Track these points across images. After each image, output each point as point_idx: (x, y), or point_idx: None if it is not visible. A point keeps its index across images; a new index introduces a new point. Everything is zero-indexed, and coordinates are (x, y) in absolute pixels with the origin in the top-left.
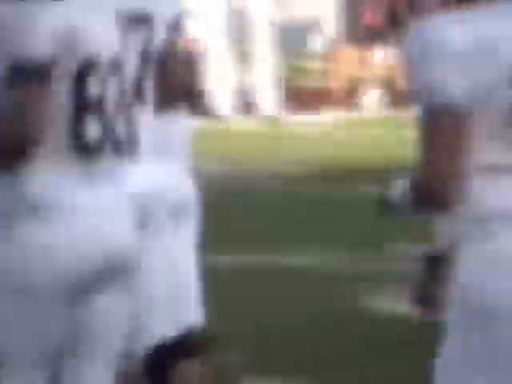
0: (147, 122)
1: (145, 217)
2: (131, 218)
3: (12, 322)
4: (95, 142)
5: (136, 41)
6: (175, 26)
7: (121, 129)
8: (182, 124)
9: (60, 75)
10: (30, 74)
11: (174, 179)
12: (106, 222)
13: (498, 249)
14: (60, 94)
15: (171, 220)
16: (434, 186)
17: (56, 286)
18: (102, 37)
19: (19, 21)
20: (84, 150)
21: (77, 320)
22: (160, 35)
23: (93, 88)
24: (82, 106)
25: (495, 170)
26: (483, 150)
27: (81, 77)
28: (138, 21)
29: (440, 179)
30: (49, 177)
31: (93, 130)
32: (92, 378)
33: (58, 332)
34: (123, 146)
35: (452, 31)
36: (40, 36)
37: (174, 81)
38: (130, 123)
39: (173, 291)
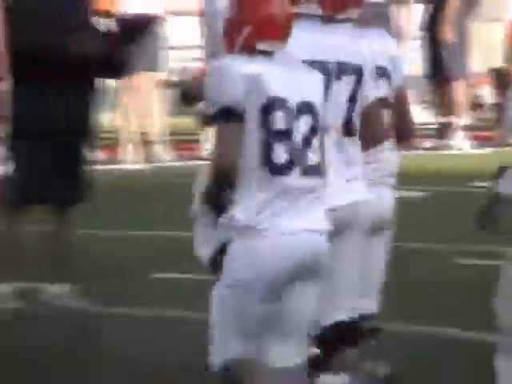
0: (356, 153)
1: (343, 225)
2: (326, 229)
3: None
4: (283, 164)
5: (345, 87)
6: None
7: (311, 156)
8: (388, 156)
9: (250, 111)
10: (231, 113)
11: (377, 199)
12: (303, 234)
13: None
14: (251, 125)
15: (369, 230)
16: None
17: (264, 280)
18: (284, 85)
19: (223, 72)
20: (273, 169)
21: (277, 306)
22: (368, 84)
23: (280, 121)
24: (270, 133)
25: None
26: None
27: (267, 112)
28: (347, 71)
29: None
30: (250, 202)
31: (280, 153)
32: (285, 350)
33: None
34: (313, 170)
35: None
36: (235, 82)
37: (378, 124)
38: (321, 152)
39: (355, 284)
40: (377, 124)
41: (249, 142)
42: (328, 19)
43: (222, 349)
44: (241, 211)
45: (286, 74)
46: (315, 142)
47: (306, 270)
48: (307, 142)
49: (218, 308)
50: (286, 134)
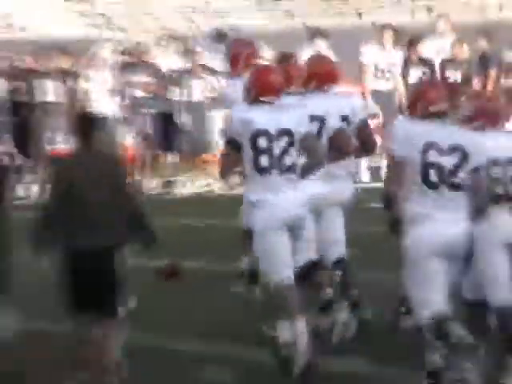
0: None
1: (316, 205)
2: (302, 204)
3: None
4: (266, 168)
5: (315, 126)
6: (344, 119)
7: (286, 162)
8: (342, 164)
9: (244, 138)
10: (231, 141)
11: (337, 190)
12: (285, 206)
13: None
14: (247, 147)
15: (327, 206)
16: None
17: (276, 223)
18: (266, 121)
19: (231, 118)
20: (261, 171)
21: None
22: (331, 125)
23: (263, 143)
24: (257, 151)
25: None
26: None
27: (255, 139)
28: (316, 118)
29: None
30: (252, 188)
31: (264, 162)
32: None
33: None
34: (287, 171)
35: None
36: (235, 123)
37: (338, 147)
38: (293, 159)
39: (321, 237)
40: (340, 145)
41: (245, 156)
42: (309, 92)
43: (269, 274)
44: (248, 192)
45: (269, 114)
46: (292, 151)
47: (292, 221)
48: (284, 152)
49: (256, 246)
50: (267, 150)
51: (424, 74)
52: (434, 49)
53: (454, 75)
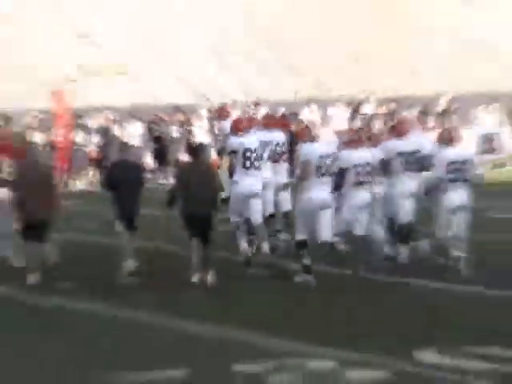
0: (269, 163)
1: (265, 186)
2: (260, 184)
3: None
4: (248, 166)
5: (268, 147)
6: (283, 144)
7: (256, 164)
8: (283, 165)
9: (239, 151)
10: (231, 152)
11: (276, 179)
12: (252, 184)
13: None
14: (239, 156)
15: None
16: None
17: (240, 197)
18: (252, 144)
19: (231, 142)
20: (245, 168)
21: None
22: (278, 147)
23: (248, 155)
24: (245, 158)
25: None
26: None
27: (244, 152)
28: (268, 143)
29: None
30: (238, 176)
31: (247, 163)
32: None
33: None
34: (257, 169)
35: None
36: (234, 144)
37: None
38: (259, 164)
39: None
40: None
41: (238, 159)
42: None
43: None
44: (235, 178)
45: (250, 140)
46: (259, 159)
47: (252, 194)
48: (256, 159)
49: (231, 203)
50: (249, 158)
51: (363, 122)
52: (368, 109)
53: (379, 123)
